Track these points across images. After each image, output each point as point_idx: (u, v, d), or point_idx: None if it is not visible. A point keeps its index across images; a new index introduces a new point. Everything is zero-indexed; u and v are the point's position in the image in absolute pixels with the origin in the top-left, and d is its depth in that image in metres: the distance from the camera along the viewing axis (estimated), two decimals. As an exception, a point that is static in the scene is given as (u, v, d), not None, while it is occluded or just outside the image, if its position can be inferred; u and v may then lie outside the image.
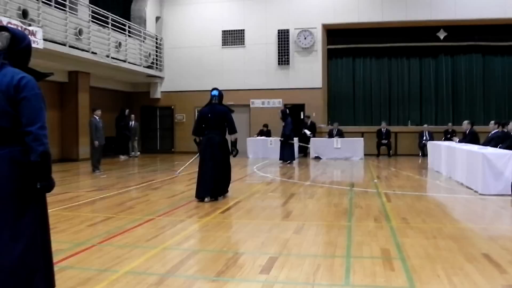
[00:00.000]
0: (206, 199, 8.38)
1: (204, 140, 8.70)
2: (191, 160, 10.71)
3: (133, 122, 20.42)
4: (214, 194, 8.51)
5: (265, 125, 20.46)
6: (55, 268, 3.88)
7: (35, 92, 3.25)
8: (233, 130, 8.86)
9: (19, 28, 12.57)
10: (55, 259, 4.79)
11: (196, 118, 9.49)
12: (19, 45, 3.38)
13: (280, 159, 16.89)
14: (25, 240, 3.26)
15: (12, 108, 3.20)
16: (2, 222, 3.20)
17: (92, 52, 16.65)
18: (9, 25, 3.74)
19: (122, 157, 19.18)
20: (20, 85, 3.21)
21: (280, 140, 16.92)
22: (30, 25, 13.34)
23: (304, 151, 19.74)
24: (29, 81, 3.25)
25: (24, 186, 3.29)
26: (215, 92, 8.83)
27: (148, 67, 21.35)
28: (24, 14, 13.36)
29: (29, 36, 12.57)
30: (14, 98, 3.19)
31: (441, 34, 21.07)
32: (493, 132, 11.97)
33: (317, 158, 18.73)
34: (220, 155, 8.67)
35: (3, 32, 3.34)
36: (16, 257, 3.20)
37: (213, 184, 8.46)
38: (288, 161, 16.67)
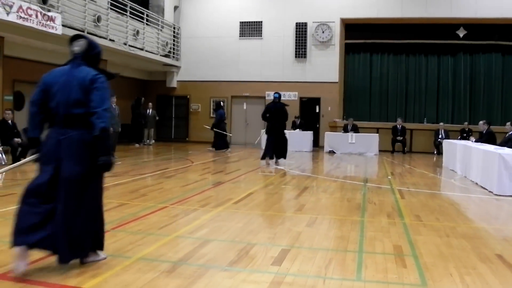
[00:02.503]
0: (274, 161, 13.49)
1: (269, 125, 13.51)
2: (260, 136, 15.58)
3: (150, 110, 20.51)
4: (278, 157, 13.55)
5: (280, 118, 20.44)
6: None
7: (104, 85, 4.08)
8: (286, 118, 13.65)
9: (43, 15, 12.68)
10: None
11: (264, 110, 13.83)
12: (92, 51, 4.25)
13: (212, 147, 17.97)
14: (89, 209, 4.07)
15: (85, 97, 3.99)
16: (71, 192, 3.94)
17: (110, 40, 16.71)
18: (86, 34, 4.82)
19: (137, 145, 19.29)
20: (94, 79, 4.04)
21: (210, 129, 18.31)
22: (49, 10, 13.41)
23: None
24: (101, 77, 4.11)
25: (89, 160, 4.01)
26: (276, 95, 13.65)
27: (165, 56, 21.40)
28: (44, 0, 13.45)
29: (48, 22, 12.67)
30: (87, 88, 4.00)
31: (461, 32, 20.84)
32: (510, 132, 11.84)
33: (331, 152, 18.70)
34: (280, 135, 13.41)
35: (80, 40, 4.25)
36: (81, 223, 3.99)
37: (277, 152, 13.48)
38: (223, 150, 17.76)
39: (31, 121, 4.13)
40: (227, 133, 18.20)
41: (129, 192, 8.26)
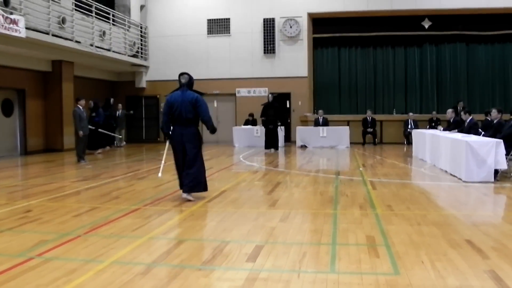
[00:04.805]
0: (272, 150, 16.80)
1: (266, 122, 16.94)
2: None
3: (120, 112, 20.28)
4: (269, 147, 16.98)
5: (251, 114, 20.46)
6: (40, 259, 3.90)
7: (204, 101, 7.41)
8: (278, 114, 17.07)
9: (6, 18, 12.42)
10: (40, 250, 4.84)
11: (262, 109, 17.31)
12: (191, 81, 7.59)
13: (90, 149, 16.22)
14: (199, 165, 7.49)
15: (193, 109, 7.31)
16: (193, 157, 7.37)
17: (76, 41, 16.46)
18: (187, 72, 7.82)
19: (108, 147, 19.03)
20: (197, 99, 7.35)
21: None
22: (12, 13, 13.13)
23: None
24: (201, 97, 7.41)
25: (198, 142, 7.51)
26: (271, 97, 17.21)
27: (133, 56, 21.18)
28: (6, 2, 13.14)
29: (11, 25, 12.39)
30: (195, 105, 7.31)
31: (426, 24, 21.15)
32: (468, 120, 12.15)
33: (303, 146, 18.80)
34: (274, 129, 16.92)
35: (185, 75, 7.58)
36: (199, 173, 7.47)
37: (273, 142, 16.94)
38: (98, 151, 16.52)
39: (165, 124, 7.51)
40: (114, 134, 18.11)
41: (101, 195, 8.18)
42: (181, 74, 7.63)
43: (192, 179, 7.37)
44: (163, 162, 8.17)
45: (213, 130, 7.55)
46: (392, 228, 5.63)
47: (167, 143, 7.68)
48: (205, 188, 7.63)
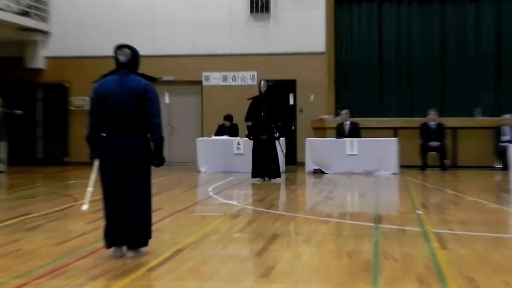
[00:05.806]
0: (266, 179, 16.86)
1: (257, 128, 16.80)
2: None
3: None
4: (273, 175, 17.03)
5: (228, 117, 20.38)
6: None
7: (155, 94, 7.68)
8: (281, 118, 17.46)
9: None
10: None
11: (249, 106, 17.21)
12: (135, 58, 7.80)
13: None
14: (148, 199, 7.86)
15: (139, 105, 7.50)
16: (136, 184, 7.62)
17: None
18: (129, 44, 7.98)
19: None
20: (146, 89, 7.56)
21: None
22: None
23: None
24: (150, 86, 7.66)
25: (146, 161, 7.73)
26: (264, 85, 17.20)
27: (23, 14, 21.09)
28: None
29: None
30: (141, 98, 7.51)
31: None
32: None
33: (318, 171, 18.70)
34: (270, 141, 16.78)
35: (125, 49, 7.68)
36: (145, 214, 7.81)
37: (267, 165, 16.79)
38: None
39: (93, 131, 7.64)
40: None
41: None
42: (119, 48, 7.77)
43: (141, 225, 7.73)
44: (90, 188, 8.00)
45: (159, 147, 7.76)
46: (477, 317, 5.53)
47: (97, 162, 7.73)
48: (149, 235, 7.94)
